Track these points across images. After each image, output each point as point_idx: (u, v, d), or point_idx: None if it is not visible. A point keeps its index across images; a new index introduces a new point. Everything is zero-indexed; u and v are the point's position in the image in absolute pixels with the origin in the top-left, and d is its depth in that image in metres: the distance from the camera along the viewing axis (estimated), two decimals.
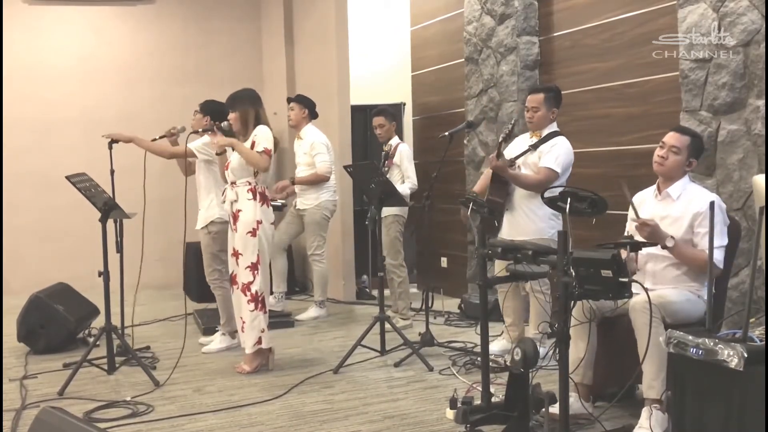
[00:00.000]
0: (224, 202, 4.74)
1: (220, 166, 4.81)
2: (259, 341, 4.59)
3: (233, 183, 4.62)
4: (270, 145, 4.55)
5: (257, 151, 4.50)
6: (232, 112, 4.62)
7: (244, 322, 4.59)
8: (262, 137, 4.55)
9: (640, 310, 3.33)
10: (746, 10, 4.18)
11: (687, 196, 3.64)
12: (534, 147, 4.70)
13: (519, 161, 4.75)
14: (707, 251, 3.30)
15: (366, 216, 7.03)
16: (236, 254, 4.58)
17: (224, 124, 4.70)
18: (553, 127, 4.74)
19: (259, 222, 4.54)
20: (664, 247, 3.48)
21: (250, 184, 4.58)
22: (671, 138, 3.66)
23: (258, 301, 4.56)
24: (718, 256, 3.48)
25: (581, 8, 5.61)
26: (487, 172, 4.97)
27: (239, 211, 4.56)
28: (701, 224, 3.52)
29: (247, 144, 4.55)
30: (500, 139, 4.77)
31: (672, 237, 3.48)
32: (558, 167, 4.58)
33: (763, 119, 4.10)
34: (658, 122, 4.89)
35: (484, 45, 6.30)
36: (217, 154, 4.78)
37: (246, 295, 4.56)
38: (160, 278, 7.36)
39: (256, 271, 4.54)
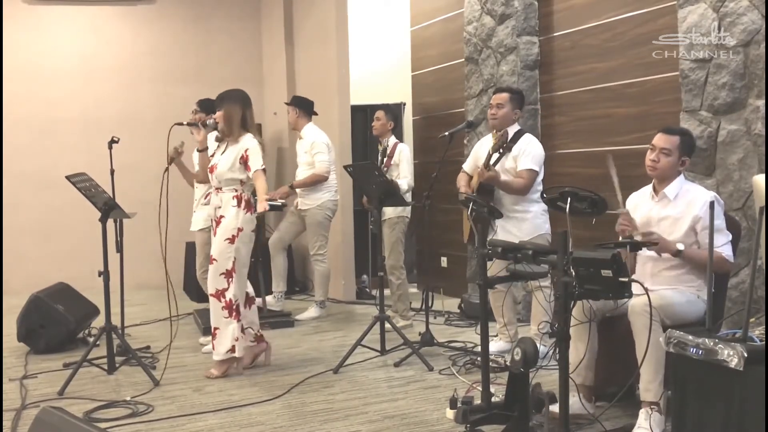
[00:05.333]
0: (207, 204, 4.70)
1: (201, 163, 4.76)
2: (233, 349, 4.50)
3: (219, 189, 4.58)
4: (262, 161, 4.51)
5: (255, 171, 4.45)
6: (219, 110, 4.59)
7: (216, 329, 4.51)
8: (253, 153, 4.48)
9: (639, 312, 3.32)
10: (746, 10, 4.18)
11: (685, 196, 3.63)
12: (508, 149, 4.82)
13: (497, 167, 4.81)
14: (717, 249, 3.35)
15: (367, 216, 7.05)
16: (212, 260, 4.53)
17: (210, 122, 4.67)
18: (517, 127, 4.90)
19: (239, 229, 4.47)
20: (674, 254, 3.48)
21: (236, 191, 4.53)
22: (660, 140, 3.65)
23: (232, 309, 4.48)
24: (728, 251, 3.52)
25: (581, 8, 5.61)
26: (462, 174, 5.10)
27: (222, 217, 4.52)
28: (704, 226, 3.50)
29: (238, 150, 4.50)
30: (490, 151, 4.80)
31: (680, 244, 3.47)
32: (536, 166, 4.78)
33: (763, 119, 4.10)
34: (658, 122, 4.88)
35: (484, 45, 6.30)
36: (198, 150, 4.76)
37: (220, 301, 4.49)
38: (159, 278, 7.34)
39: (230, 279, 4.47)
